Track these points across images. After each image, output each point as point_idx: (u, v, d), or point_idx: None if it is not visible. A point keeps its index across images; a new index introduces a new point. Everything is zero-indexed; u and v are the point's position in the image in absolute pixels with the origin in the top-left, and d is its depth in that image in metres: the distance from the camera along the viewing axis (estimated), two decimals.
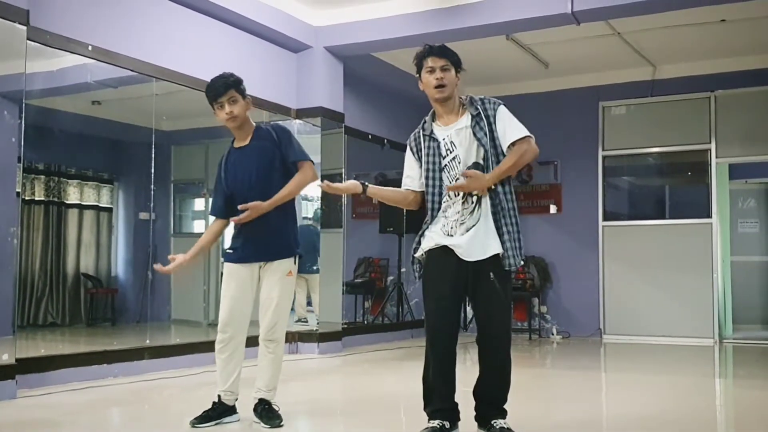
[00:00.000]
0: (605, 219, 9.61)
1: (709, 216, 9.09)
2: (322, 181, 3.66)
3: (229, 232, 4.28)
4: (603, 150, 9.70)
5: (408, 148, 3.84)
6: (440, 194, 3.67)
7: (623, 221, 9.71)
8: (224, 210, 4.16)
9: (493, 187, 3.59)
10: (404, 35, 7.55)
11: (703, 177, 9.26)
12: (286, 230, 4.12)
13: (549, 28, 7.41)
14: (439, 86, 3.63)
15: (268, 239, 4.05)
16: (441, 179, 3.67)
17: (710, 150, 9.12)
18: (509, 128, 3.63)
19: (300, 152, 4.13)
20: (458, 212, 3.61)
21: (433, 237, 3.66)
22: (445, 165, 3.65)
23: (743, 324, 10.17)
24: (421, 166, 3.75)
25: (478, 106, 3.67)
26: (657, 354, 8.12)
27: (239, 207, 3.99)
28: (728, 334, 9.33)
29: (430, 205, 3.71)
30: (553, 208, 9.95)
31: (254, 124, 4.19)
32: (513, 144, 3.59)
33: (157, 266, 4.14)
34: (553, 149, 9.84)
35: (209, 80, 4.12)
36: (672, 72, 9.35)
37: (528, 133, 3.62)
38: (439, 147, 3.67)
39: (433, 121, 3.77)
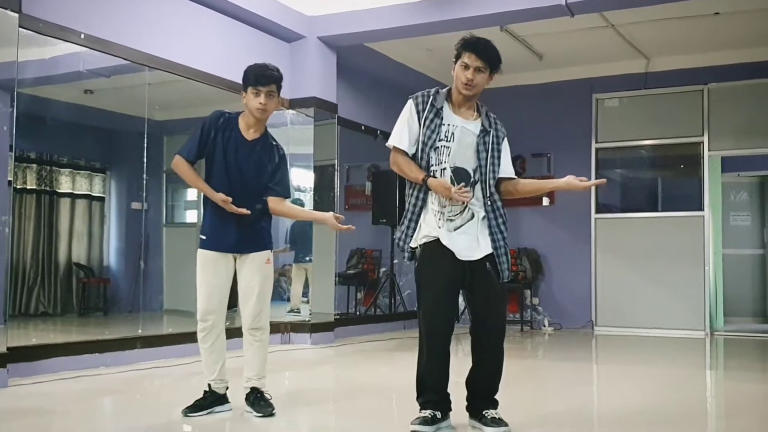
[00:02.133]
0: (598, 211, 9.62)
1: (701, 209, 9.11)
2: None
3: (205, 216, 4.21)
4: (596, 142, 9.70)
5: (413, 104, 3.71)
6: (426, 169, 3.64)
7: (616, 214, 9.74)
8: (197, 159, 4.07)
9: (488, 194, 3.65)
10: (398, 26, 7.55)
11: (695, 170, 9.28)
12: (262, 226, 4.14)
13: (543, 19, 7.41)
14: (468, 85, 3.62)
15: (246, 232, 4.04)
16: (429, 156, 3.64)
17: (703, 143, 9.14)
18: (508, 163, 3.78)
19: (289, 188, 4.28)
20: (444, 206, 3.61)
21: (429, 224, 3.63)
22: (437, 147, 3.63)
23: (734, 316, 10.23)
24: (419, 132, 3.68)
25: (492, 124, 3.72)
26: (648, 346, 8.15)
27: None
28: (719, 327, 9.37)
29: None
30: (545, 200, 9.96)
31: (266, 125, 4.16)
32: (510, 179, 3.76)
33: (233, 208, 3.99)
34: (547, 141, 9.86)
35: (253, 63, 4.02)
36: (665, 64, 9.36)
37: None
38: (440, 126, 3.64)
39: (445, 99, 3.71)
